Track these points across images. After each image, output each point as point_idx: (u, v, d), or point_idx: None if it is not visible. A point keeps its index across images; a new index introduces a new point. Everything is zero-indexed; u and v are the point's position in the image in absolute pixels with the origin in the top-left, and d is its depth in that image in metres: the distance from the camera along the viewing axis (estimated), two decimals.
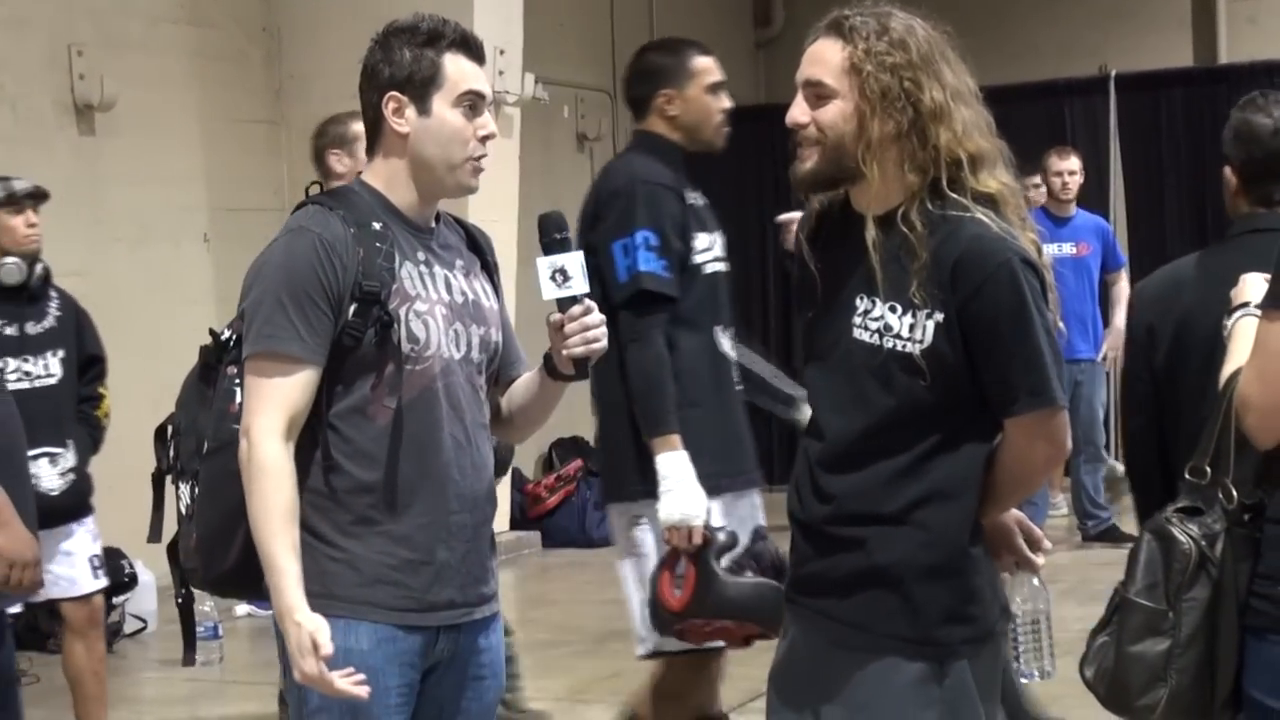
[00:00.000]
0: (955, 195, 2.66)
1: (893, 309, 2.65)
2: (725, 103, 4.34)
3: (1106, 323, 8.66)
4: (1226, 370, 2.60)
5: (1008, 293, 2.62)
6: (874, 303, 2.66)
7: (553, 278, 2.79)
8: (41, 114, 7.85)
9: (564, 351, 2.84)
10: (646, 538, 4.11)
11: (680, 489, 3.90)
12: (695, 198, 4.24)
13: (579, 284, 2.78)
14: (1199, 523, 2.59)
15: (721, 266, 4.23)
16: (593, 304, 2.84)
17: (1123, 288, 8.70)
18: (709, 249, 4.19)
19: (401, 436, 2.78)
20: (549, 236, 2.82)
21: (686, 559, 3.90)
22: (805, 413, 2.82)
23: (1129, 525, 8.79)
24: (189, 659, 3.23)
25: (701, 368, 4.11)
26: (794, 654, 2.78)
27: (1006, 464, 2.73)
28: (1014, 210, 2.70)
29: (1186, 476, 2.63)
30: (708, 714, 4.37)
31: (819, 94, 2.69)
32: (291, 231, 2.82)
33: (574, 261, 2.78)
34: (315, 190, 2.91)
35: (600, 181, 4.27)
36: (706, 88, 4.31)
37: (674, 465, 3.93)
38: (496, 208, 7.75)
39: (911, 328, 2.64)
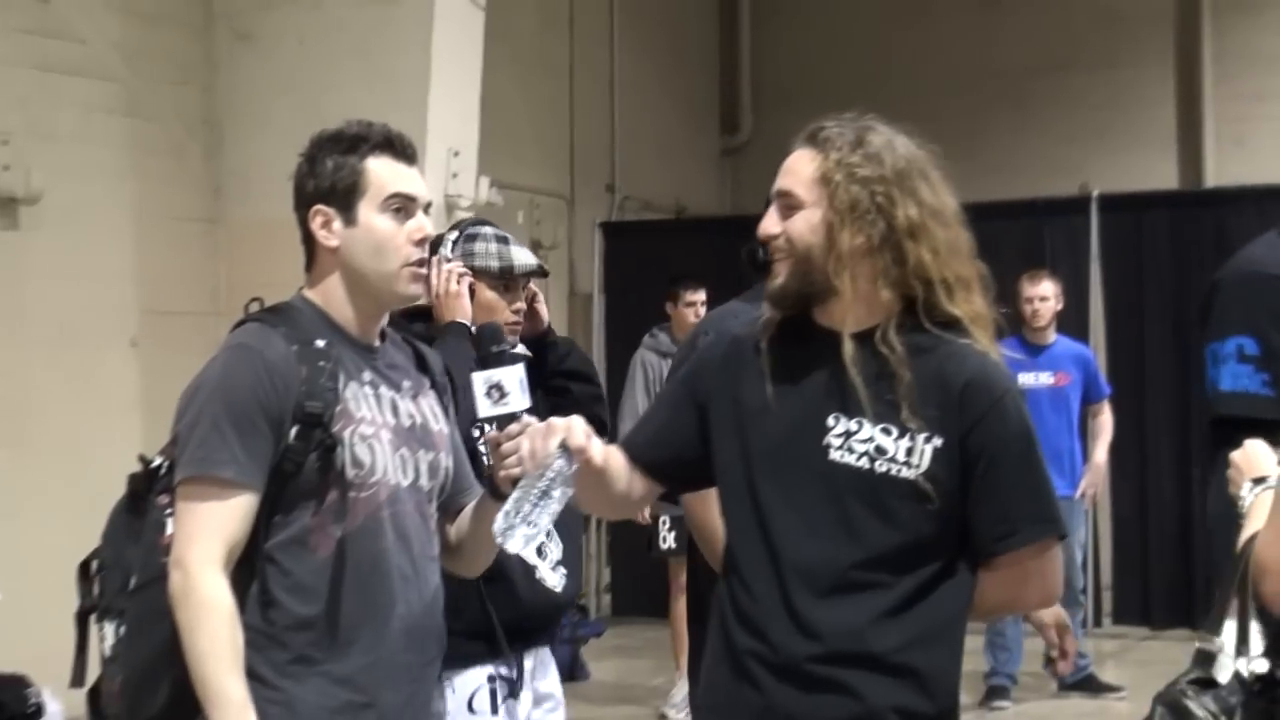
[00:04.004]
0: (931, 317, 2.70)
1: (886, 431, 2.67)
2: None
3: (1086, 457, 8.63)
4: (1244, 535, 2.62)
5: (1016, 419, 2.69)
6: (859, 424, 2.68)
7: (488, 394, 2.79)
8: None
9: (500, 473, 2.84)
10: None
11: None
12: None
13: (516, 400, 2.79)
14: (1214, 695, 2.58)
15: None
16: (531, 420, 2.82)
17: (1105, 420, 8.67)
18: None
19: (344, 569, 2.77)
20: (485, 350, 2.83)
21: None
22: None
23: (1108, 674, 8.79)
24: None
25: None
26: None
27: (989, 606, 2.78)
28: (986, 337, 2.75)
29: (1198, 645, 2.64)
30: None
31: (789, 204, 2.75)
32: (230, 349, 2.83)
33: (511, 376, 2.79)
34: (255, 306, 2.91)
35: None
36: None
37: None
38: None
39: (909, 451, 2.66)
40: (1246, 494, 2.74)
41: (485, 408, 2.81)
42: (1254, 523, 2.64)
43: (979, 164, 11.68)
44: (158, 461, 2.83)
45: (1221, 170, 11.62)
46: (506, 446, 2.80)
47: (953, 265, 2.72)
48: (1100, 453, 8.66)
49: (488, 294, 3.94)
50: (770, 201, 2.79)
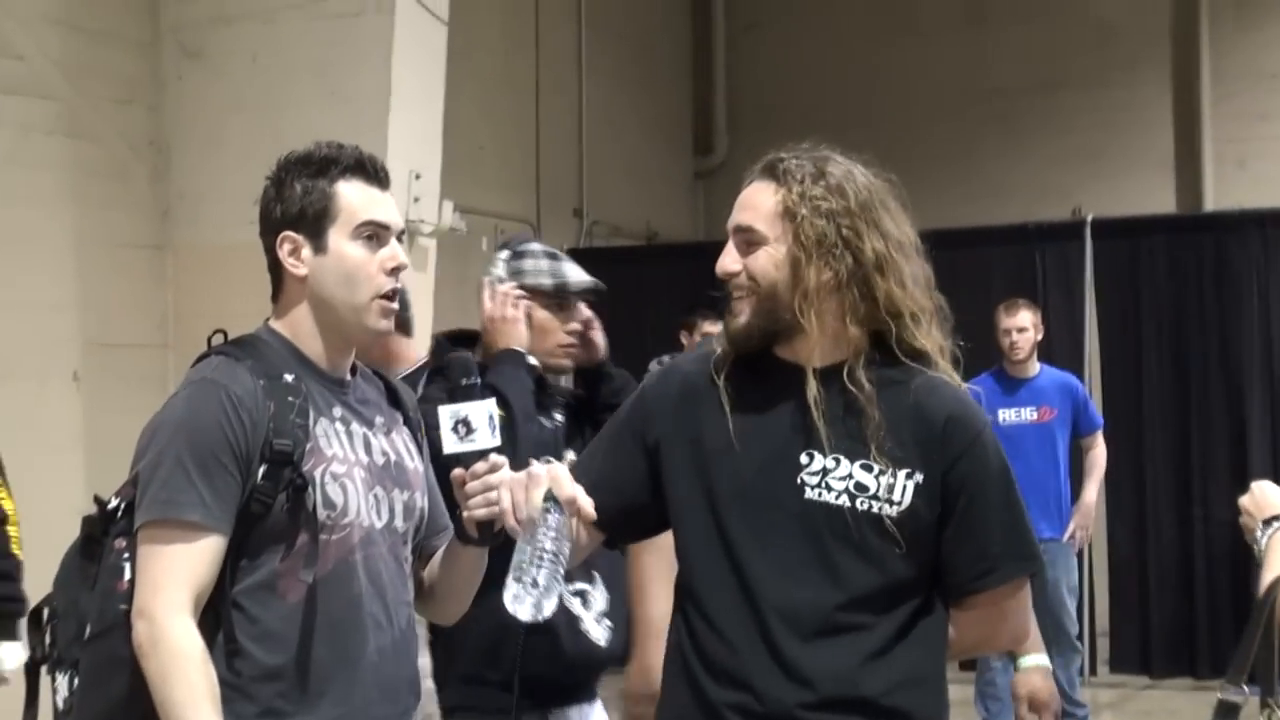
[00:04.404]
0: (899, 351, 2.76)
1: (866, 468, 2.71)
2: None
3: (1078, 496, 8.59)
4: (1265, 579, 2.65)
5: (995, 454, 2.77)
6: (836, 460, 2.71)
7: (454, 429, 2.79)
8: None
9: (465, 514, 2.84)
10: None
11: None
12: None
13: (484, 437, 2.79)
14: None
15: None
16: (500, 460, 2.83)
17: (1098, 454, 8.62)
18: None
19: (315, 615, 2.77)
20: (454, 383, 2.83)
21: None
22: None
23: None
24: None
25: None
26: None
27: (963, 646, 2.84)
28: (945, 371, 2.81)
29: (1220, 697, 2.66)
30: None
31: (749, 240, 2.78)
32: (193, 384, 2.83)
33: (479, 411, 2.79)
34: (219, 338, 2.92)
35: None
36: None
37: None
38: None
39: (891, 488, 2.70)
40: (1261, 536, 2.78)
41: (450, 444, 2.81)
42: (1274, 563, 2.67)
43: (967, 188, 11.77)
44: (114, 503, 2.82)
45: (1222, 193, 11.69)
46: (471, 486, 2.81)
47: (919, 298, 2.78)
48: (1090, 491, 8.61)
49: (540, 314, 3.92)
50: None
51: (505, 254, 4.01)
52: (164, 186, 8.59)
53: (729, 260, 2.79)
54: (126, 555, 2.76)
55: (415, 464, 2.97)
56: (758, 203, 2.79)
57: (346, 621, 2.80)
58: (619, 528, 2.92)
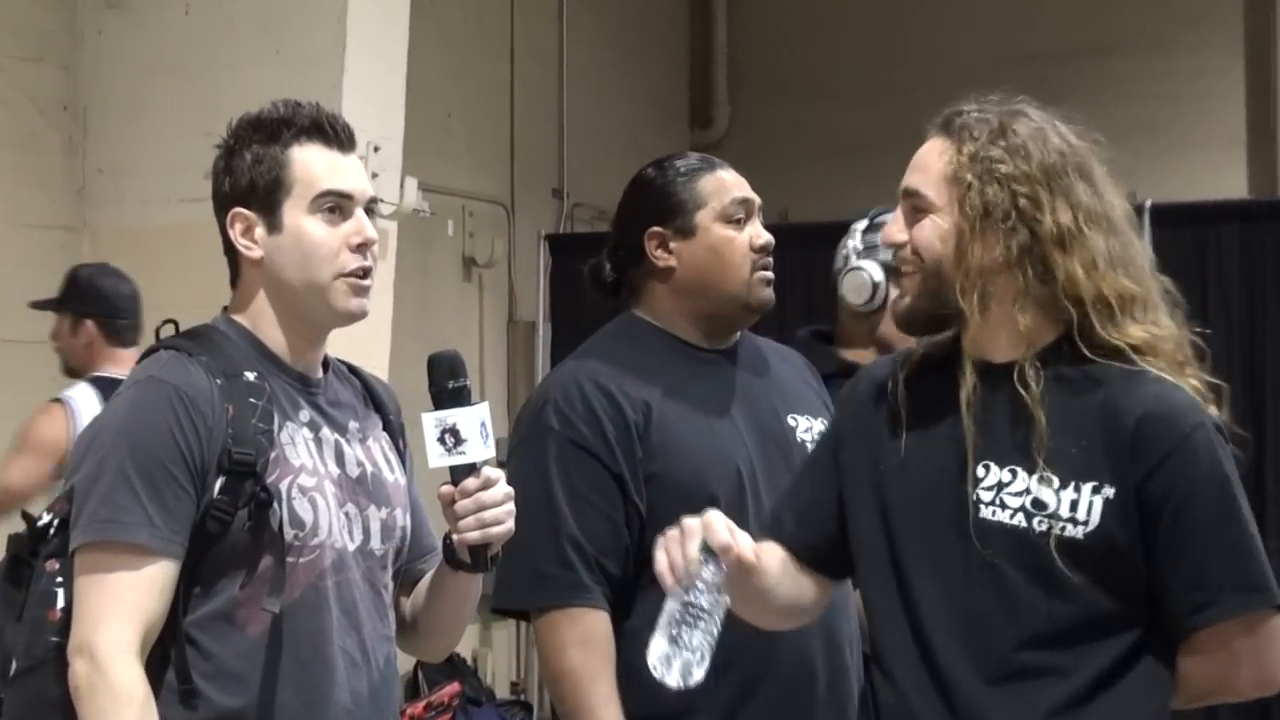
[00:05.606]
0: (1096, 343, 2.70)
1: (1045, 481, 2.67)
2: None
3: None
4: None
5: (1207, 464, 2.67)
6: (1013, 473, 2.69)
7: (441, 439, 2.77)
8: None
9: (455, 536, 2.84)
10: None
11: None
12: None
13: (475, 448, 2.77)
14: None
15: None
16: (495, 473, 2.82)
17: None
18: None
19: (280, 651, 2.76)
20: (439, 385, 2.80)
21: None
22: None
23: None
24: None
25: None
26: None
27: (1193, 692, 2.74)
28: (1169, 364, 2.73)
29: None
30: None
31: (916, 206, 2.78)
32: (139, 384, 2.82)
33: (469, 419, 2.76)
34: (168, 329, 2.91)
35: None
36: None
37: None
38: (363, 346, 7.72)
39: (1074, 505, 2.65)
40: None
41: (436, 456, 2.78)
42: None
43: None
44: (45, 519, 2.81)
45: None
46: (461, 505, 2.80)
47: (1116, 281, 2.71)
48: None
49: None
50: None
51: (863, 225, 4.06)
52: (80, 159, 8.57)
53: (895, 229, 2.81)
54: (60, 579, 2.76)
55: (395, 476, 2.96)
56: (928, 163, 2.78)
57: (316, 659, 2.79)
58: (835, 565, 2.94)
